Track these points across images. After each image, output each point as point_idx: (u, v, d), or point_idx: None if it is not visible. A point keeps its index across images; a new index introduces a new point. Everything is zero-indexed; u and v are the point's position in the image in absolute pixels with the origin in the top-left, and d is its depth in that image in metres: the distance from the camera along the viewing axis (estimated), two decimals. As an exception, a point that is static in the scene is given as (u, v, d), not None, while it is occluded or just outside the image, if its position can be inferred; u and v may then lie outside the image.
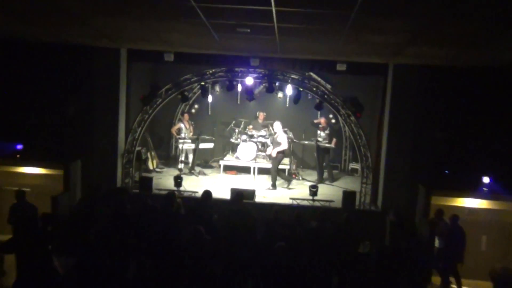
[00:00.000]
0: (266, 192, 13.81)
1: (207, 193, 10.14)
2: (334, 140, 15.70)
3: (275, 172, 14.27)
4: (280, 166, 14.94)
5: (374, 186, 12.99)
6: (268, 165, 15.20)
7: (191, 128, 15.94)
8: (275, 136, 14.60)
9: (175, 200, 9.88)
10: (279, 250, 7.78)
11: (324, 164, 15.54)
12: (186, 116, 16.06)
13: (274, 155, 14.14)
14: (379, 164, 13.13)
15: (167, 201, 9.81)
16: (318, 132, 15.66)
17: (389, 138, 12.66)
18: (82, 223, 9.52)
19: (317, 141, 15.63)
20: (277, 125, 14.52)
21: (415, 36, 8.54)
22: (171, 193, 10.06)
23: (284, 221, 9.67)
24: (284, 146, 14.23)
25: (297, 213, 9.76)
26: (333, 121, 16.86)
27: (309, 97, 14.16)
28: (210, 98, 16.23)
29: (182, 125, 15.84)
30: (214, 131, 17.20)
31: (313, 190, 12.77)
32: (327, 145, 15.31)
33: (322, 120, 15.70)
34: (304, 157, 17.40)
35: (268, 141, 15.92)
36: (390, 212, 11.95)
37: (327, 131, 15.50)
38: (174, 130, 16.06)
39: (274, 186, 14.16)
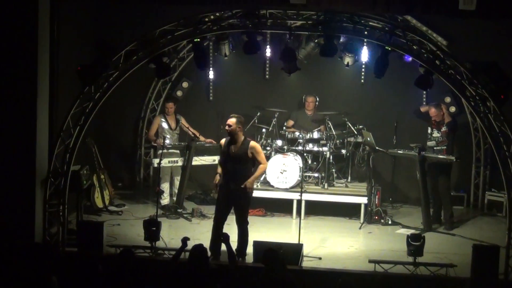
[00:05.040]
0: (324, 248, 11.03)
1: (198, 251, 8.38)
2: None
3: None
4: (350, 199, 12.47)
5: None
6: (331, 196, 12.75)
7: (181, 127, 13.39)
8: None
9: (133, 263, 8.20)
10: None
11: (436, 192, 12.06)
12: (170, 105, 13.16)
13: None
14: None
15: (122, 266, 8.07)
16: (429, 131, 11.89)
17: None
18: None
19: (421, 149, 11.63)
20: None
21: None
22: (125, 252, 8.48)
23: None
24: None
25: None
26: (453, 109, 13.12)
27: (408, 59, 11.20)
28: (211, 72, 13.96)
29: (164, 123, 13.04)
30: (219, 133, 15.07)
31: (415, 245, 9.84)
32: (442, 157, 11.48)
33: (433, 110, 11.64)
34: (395, 181, 14.15)
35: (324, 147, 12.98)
36: None
37: (444, 129, 11.48)
38: (152, 133, 13.21)
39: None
